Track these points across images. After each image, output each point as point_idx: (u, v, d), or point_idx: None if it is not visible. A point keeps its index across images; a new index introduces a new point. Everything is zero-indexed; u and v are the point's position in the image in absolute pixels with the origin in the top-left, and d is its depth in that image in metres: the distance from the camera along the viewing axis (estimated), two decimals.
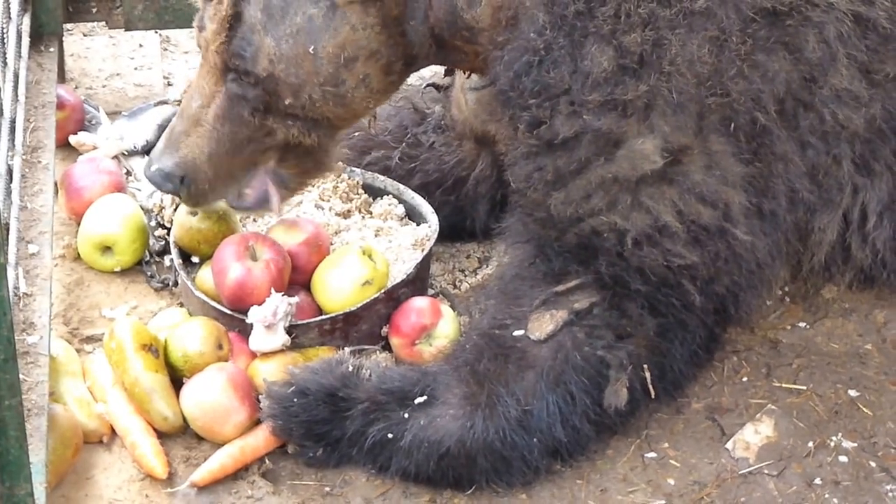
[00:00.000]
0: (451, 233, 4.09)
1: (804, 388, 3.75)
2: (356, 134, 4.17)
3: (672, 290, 3.49)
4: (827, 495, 3.49)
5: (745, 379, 3.77)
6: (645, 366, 3.50)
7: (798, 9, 3.40)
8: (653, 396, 3.53)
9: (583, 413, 3.47)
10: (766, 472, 3.54)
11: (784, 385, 3.76)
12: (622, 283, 3.48)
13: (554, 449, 3.48)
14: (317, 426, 3.47)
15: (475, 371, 3.48)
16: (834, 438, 3.63)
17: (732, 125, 3.42)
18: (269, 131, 3.60)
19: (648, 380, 3.50)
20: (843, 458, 3.58)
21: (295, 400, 3.48)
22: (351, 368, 3.53)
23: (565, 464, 3.52)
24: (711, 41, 3.34)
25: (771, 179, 3.51)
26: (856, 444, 3.61)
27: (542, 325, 3.49)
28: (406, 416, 3.45)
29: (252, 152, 3.64)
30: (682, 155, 3.41)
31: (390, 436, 3.44)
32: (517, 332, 3.51)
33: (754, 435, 3.61)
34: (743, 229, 3.49)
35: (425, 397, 3.48)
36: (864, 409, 3.70)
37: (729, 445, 3.60)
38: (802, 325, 3.94)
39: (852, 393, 3.74)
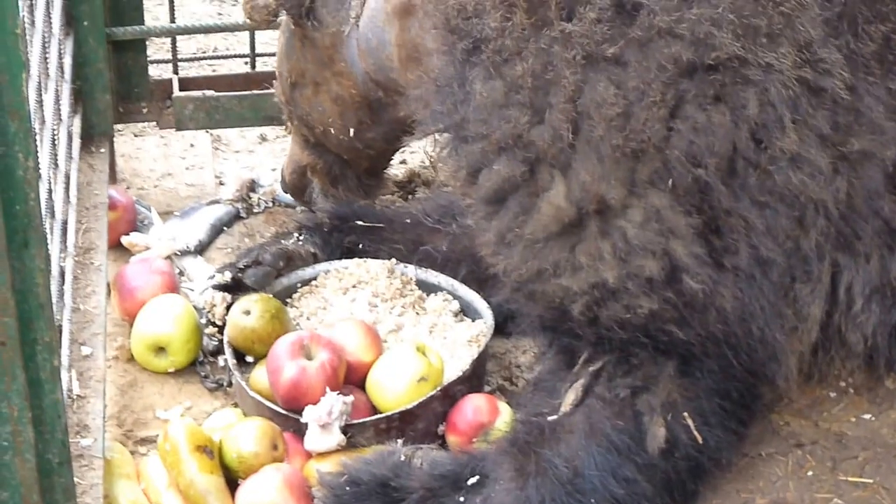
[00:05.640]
0: (505, 325, 4.01)
1: (870, 481, 3.67)
2: (407, 220, 4.20)
3: (662, 333, 3.43)
4: None
5: (810, 473, 3.69)
6: (685, 414, 3.44)
7: (726, 64, 3.24)
8: (700, 442, 3.45)
9: (630, 461, 3.41)
10: None
11: (850, 479, 3.68)
12: (610, 339, 3.45)
13: None
14: None
15: (520, 446, 3.45)
16: None
17: (670, 180, 3.29)
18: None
19: (692, 427, 3.43)
20: None
21: (347, 489, 3.43)
22: (403, 458, 3.49)
23: None
24: (623, 87, 3.24)
25: (725, 233, 3.36)
26: None
27: (568, 398, 3.49)
28: (462, 499, 3.40)
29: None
30: (608, 206, 3.32)
31: None
32: (552, 418, 3.49)
33: None
34: (697, 279, 3.36)
35: (477, 477, 3.43)
36: None
37: None
38: (867, 416, 3.86)
39: None
